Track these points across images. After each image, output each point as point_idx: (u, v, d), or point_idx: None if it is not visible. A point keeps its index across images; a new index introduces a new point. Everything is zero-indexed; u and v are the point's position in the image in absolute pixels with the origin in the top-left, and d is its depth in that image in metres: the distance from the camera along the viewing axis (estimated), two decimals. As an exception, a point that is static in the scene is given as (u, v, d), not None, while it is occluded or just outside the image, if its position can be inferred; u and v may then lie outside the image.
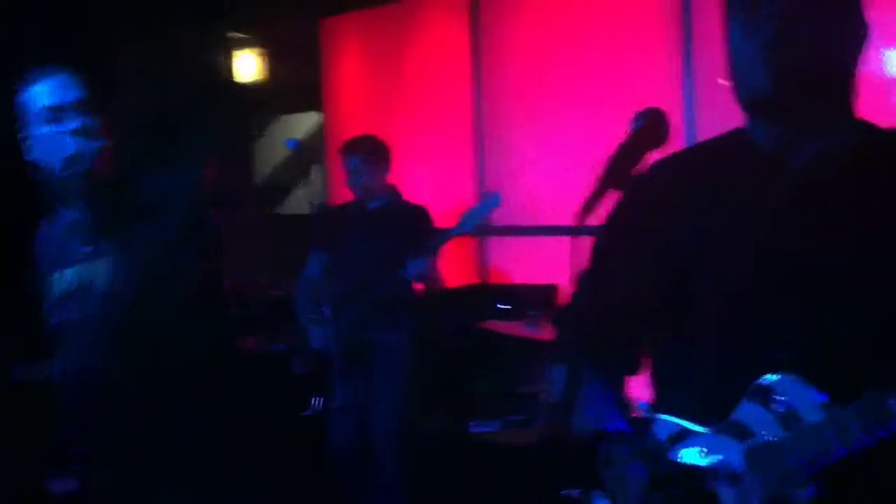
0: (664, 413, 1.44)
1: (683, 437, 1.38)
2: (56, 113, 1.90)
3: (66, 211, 2.04)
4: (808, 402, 1.24)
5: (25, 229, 2.15)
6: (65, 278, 2.00)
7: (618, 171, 1.36)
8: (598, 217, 1.57)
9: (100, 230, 1.98)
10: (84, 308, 1.96)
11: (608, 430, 1.45)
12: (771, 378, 1.28)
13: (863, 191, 1.31)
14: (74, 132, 1.89)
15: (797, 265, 1.32)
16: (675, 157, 1.49)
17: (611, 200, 1.54)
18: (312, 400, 3.87)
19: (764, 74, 1.31)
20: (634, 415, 1.49)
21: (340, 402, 3.21)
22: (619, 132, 1.73)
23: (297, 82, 5.96)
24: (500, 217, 4.17)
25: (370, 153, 3.99)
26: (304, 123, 6.19)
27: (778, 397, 1.26)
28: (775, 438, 1.26)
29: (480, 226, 3.80)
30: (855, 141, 1.35)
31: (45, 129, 1.91)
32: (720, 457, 1.32)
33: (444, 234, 3.79)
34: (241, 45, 6.16)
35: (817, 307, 1.29)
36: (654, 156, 1.49)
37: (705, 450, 1.34)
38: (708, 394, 1.36)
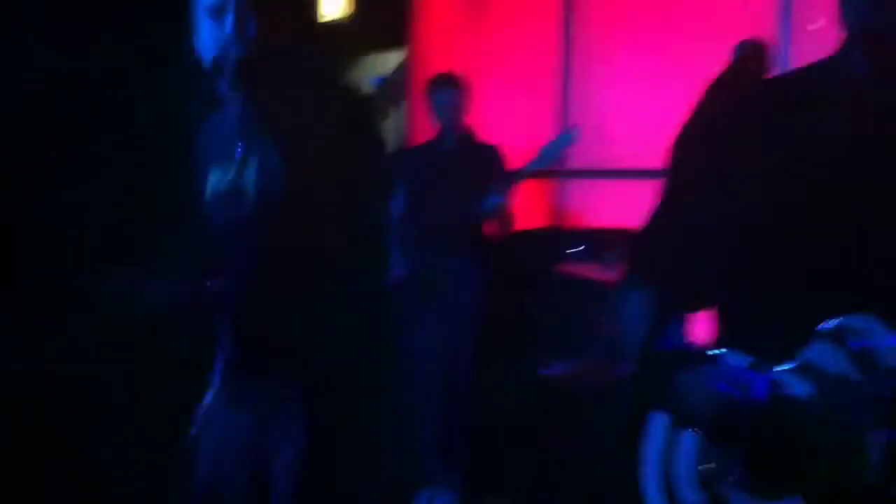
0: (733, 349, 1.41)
1: (757, 368, 1.35)
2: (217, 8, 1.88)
3: (227, 105, 1.97)
4: (886, 343, 1.21)
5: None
6: (222, 176, 1.93)
7: (716, 101, 1.33)
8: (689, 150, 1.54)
9: (255, 125, 1.91)
10: (237, 211, 1.88)
11: (686, 353, 1.42)
12: (847, 318, 1.25)
13: None
14: (232, 24, 1.86)
15: (886, 206, 1.28)
16: (768, 84, 1.46)
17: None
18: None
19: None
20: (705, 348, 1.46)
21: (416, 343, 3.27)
22: (706, 72, 1.69)
23: (382, 19, 5.94)
24: (580, 158, 4.14)
25: (462, 89, 4.04)
26: (388, 61, 6.18)
27: (853, 337, 1.23)
28: (848, 377, 1.23)
29: (555, 161, 3.80)
30: None
31: (206, 22, 1.91)
32: (783, 394, 1.29)
33: (518, 172, 3.80)
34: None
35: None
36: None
37: (767, 385, 1.31)
38: (783, 331, 1.33)
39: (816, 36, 3.75)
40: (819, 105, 1.37)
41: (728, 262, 1.48)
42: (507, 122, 5.11)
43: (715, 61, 2.07)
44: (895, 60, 1.32)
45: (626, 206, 4.53)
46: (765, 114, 1.43)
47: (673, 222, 1.54)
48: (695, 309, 1.56)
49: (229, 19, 1.88)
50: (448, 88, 4.02)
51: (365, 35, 6.05)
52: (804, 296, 1.33)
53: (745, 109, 1.47)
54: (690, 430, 1.41)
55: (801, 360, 1.29)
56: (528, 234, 4.25)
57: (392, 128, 3.29)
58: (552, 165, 3.84)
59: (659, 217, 1.55)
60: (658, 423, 1.47)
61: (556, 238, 4.69)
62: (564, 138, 3.75)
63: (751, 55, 1.32)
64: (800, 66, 1.47)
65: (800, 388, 1.28)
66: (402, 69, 6.02)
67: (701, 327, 1.56)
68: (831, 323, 1.26)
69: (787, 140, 1.38)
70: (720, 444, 1.36)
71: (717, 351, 1.43)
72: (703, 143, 1.53)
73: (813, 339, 1.28)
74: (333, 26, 6.22)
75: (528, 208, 4.14)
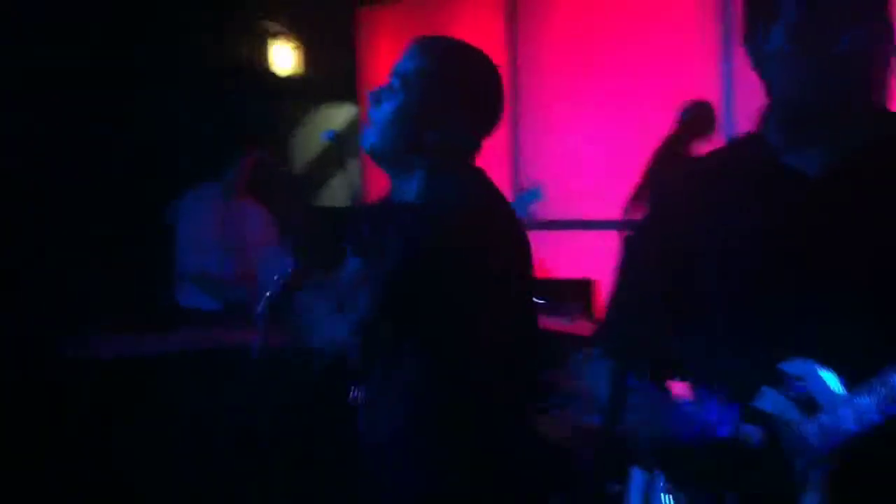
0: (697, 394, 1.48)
1: (709, 413, 1.41)
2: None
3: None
4: (823, 384, 1.28)
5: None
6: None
7: (665, 162, 1.35)
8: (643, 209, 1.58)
9: None
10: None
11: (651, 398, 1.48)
12: (788, 364, 1.33)
13: (882, 189, 1.33)
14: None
15: (814, 267, 1.35)
16: (700, 160, 1.51)
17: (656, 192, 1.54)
18: (352, 392, 3.87)
19: (822, 90, 1.33)
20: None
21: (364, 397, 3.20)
22: (654, 123, 1.72)
23: (333, 73, 5.97)
24: (536, 210, 4.15)
25: None
26: (340, 115, 6.20)
27: (795, 382, 1.31)
28: (792, 421, 1.30)
29: (522, 218, 3.80)
30: (875, 136, 1.37)
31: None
32: (736, 439, 1.36)
33: None
34: (277, 35, 6.18)
35: (835, 307, 1.33)
36: (700, 147, 1.49)
37: (725, 425, 1.38)
38: (733, 388, 1.40)
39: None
40: (744, 184, 1.45)
41: (680, 328, 1.55)
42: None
43: (663, 113, 2.10)
44: (806, 132, 1.39)
45: (584, 258, 4.57)
46: (698, 191, 1.51)
47: (628, 298, 1.61)
48: (659, 378, 1.60)
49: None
50: None
51: (316, 90, 6.08)
52: (753, 351, 1.40)
53: (679, 187, 1.55)
54: (657, 475, 1.48)
55: (752, 407, 1.37)
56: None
57: (345, 183, 3.28)
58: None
59: (616, 292, 1.62)
60: (636, 478, 1.53)
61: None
62: (532, 194, 3.76)
63: (696, 116, 1.34)
64: (731, 139, 1.54)
65: (750, 432, 1.35)
66: (355, 124, 6.04)
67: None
68: (776, 371, 1.34)
69: (719, 213, 1.46)
70: (683, 488, 1.43)
71: (679, 398, 1.50)
72: (648, 219, 1.60)
73: (762, 386, 1.36)
74: (285, 82, 6.24)
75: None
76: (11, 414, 3.25)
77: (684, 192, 1.53)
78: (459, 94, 1.84)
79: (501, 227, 1.80)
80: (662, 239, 1.54)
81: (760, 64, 1.41)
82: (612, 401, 1.45)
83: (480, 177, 1.90)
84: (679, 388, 1.56)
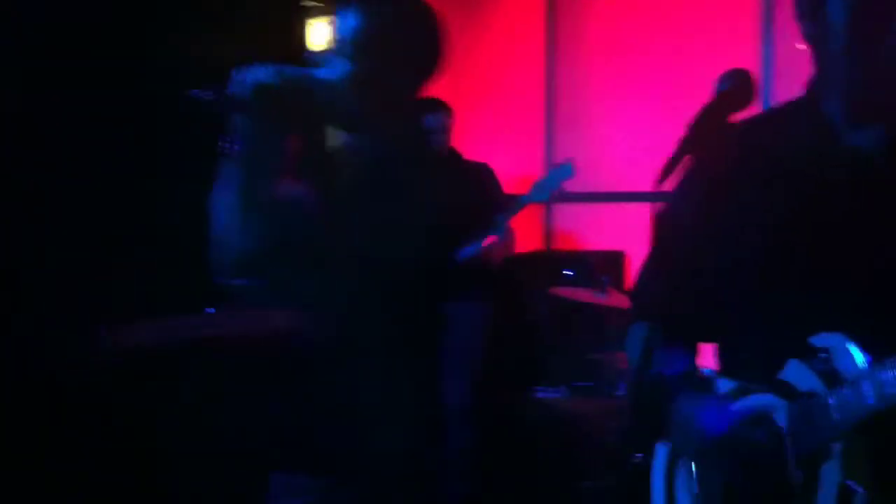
0: (725, 375, 1.50)
1: (738, 394, 1.44)
2: None
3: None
4: (849, 358, 1.28)
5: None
6: None
7: (701, 133, 1.36)
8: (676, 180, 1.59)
9: None
10: None
11: (678, 385, 1.49)
12: (817, 337, 1.33)
13: None
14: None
15: (854, 240, 1.35)
16: (742, 128, 1.49)
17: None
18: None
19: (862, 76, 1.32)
20: (701, 375, 1.54)
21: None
22: (692, 97, 1.73)
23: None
24: (568, 183, 4.16)
25: (445, 113, 4.06)
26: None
27: (821, 355, 1.31)
28: (815, 392, 1.31)
29: (554, 193, 3.81)
30: None
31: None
32: (767, 413, 1.37)
33: (517, 202, 3.80)
34: (316, 13, 6.18)
35: (870, 281, 1.33)
36: (738, 118, 1.49)
37: (755, 406, 1.40)
38: (764, 357, 1.41)
39: (804, 56, 3.79)
40: (791, 151, 1.43)
41: (715, 297, 1.55)
42: (496, 151, 5.14)
43: (699, 85, 2.10)
44: (871, 111, 1.37)
45: (615, 230, 4.58)
46: (739, 159, 1.49)
47: (664, 264, 1.62)
48: (689, 342, 1.63)
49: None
50: (431, 112, 4.04)
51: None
52: (785, 326, 1.41)
53: (723, 154, 1.53)
54: (686, 457, 1.49)
55: (777, 380, 1.38)
56: (518, 259, 4.26)
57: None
58: (550, 198, 3.85)
59: (652, 258, 1.63)
60: (662, 452, 1.54)
61: (547, 262, 4.72)
62: (564, 170, 3.75)
63: (734, 87, 1.34)
64: (773, 106, 1.53)
65: (775, 405, 1.37)
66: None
67: (700, 356, 1.63)
68: (804, 343, 1.34)
69: (762, 184, 1.45)
70: (706, 472, 1.44)
71: (707, 374, 1.52)
72: (686, 187, 1.59)
73: (790, 358, 1.37)
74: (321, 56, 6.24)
75: (517, 233, 4.16)
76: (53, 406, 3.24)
77: (729, 160, 1.51)
78: (404, 54, 1.91)
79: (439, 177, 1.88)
80: (703, 206, 1.52)
81: (816, 39, 1.38)
82: (640, 362, 1.45)
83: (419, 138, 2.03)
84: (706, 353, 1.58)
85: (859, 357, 1.28)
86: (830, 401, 1.28)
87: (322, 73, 1.87)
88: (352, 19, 1.88)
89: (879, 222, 1.34)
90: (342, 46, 1.87)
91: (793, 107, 1.49)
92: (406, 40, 1.91)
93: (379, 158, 1.83)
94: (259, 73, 1.78)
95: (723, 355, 1.56)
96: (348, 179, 1.82)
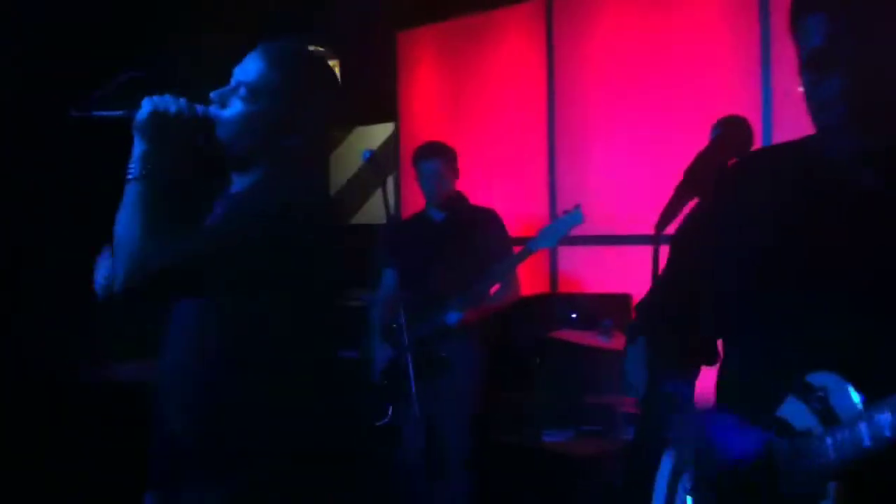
0: (726, 404, 1.52)
1: (737, 427, 1.44)
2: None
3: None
4: (846, 399, 1.29)
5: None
6: None
7: (697, 179, 1.38)
8: (676, 225, 1.60)
9: None
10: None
11: (680, 404, 1.52)
12: (814, 375, 1.34)
13: None
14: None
15: (854, 272, 1.36)
16: (749, 160, 1.53)
17: (689, 208, 1.57)
18: (388, 409, 3.91)
19: (841, 111, 1.34)
20: (700, 404, 1.56)
21: (416, 413, 3.24)
22: (693, 141, 1.74)
23: (372, 93, 6.04)
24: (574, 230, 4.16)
25: (450, 158, 4.07)
26: (379, 134, 6.27)
27: (818, 394, 1.32)
28: (811, 432, 1.32)
29: (562, 239, 3.82)
30: None
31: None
32: (761, 449, 1.38)
33: (525, 249, 3.80)
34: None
35: (867, 315, 1.33)
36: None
37: (750, 441, 1.40)
38: (763, 389, 1.42)
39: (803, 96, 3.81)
40: (795, 186, 1.45)
41: (719, 321, 1.58)
42: (499, 193, 5.16)
43: (697, 131, 2.12)
44: (863, 147, 1.38)
45: (620, 273, 4.57)
46: (744, 191, 1.52)
47: (671, 286, 1.64)
48: (693, 364, 1.64)
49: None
50: (432, 157, 4.05)
51: (355, 109, 6.15)
52: (786, 356, 1.42)
53: (727, 183, 1.55)
54: (687, 475, 1.52)
55: (775, 416, 1.39)
56: (522, 302, 4.26)
57: (381, 202, 3.33)
58: (558, 244, 3.86)
59: (660, 281, 1.64)
60: (666, 464, 1.57)
61: (551, 305, 4.71)
62: (573, 217, 3.76)
63: (730, 132, 1.35)
64: (775, 144, 1.56)
65: (771, 441, 1.38)
66: (392, 143, 6.10)
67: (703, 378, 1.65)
68: (803, 380, 1.35)
69: (761, 218, 1.47)
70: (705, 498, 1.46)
71: (707, 402, 1.54)
72: (690, 217, 1.62)
73: (788, 394, 1.38)
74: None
75: (522, 276, 4.16)
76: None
77: (729, 190, 1.53)
78: (304, 105, 1.97)
79: (316, 234, 1.91)
80: (706, 235, 1.55)
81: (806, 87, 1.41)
82: (647, 376, 1.46)
83: (312, 182, 2.08)
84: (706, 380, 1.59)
85: (856, 397, 1.28)
86: (827, 441, 1.29)
87: (218, 111, 1.94)
88: (252, 65, 1.97)
89: (883, 248, 1.35)
90: (241, 89, 1.95)
91: (795, 145, 1.52)
92: (302, 90, 1.98)
93: (266, 203, 1.87)
94: (157, 101, 1.86)
95: (723, 380, 1.57)
96: (232, 220, 1.88)
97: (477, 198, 4.25)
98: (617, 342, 3.87)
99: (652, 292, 1.67)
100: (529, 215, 5.12)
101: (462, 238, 4.00)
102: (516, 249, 3.96)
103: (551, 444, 4.22)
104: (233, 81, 1.98)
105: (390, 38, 6.00)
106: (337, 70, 6.24)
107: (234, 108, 1.95)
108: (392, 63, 6.01)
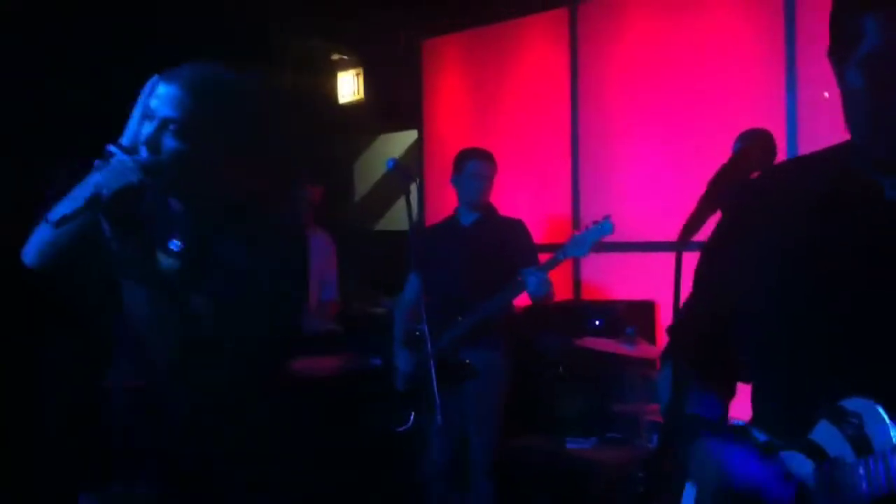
0: (758, 425, 1.48)
1: (769, 449, 1.42)
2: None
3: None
4: (881, 427, 1.26)
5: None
6: None
7: (719, 193, 1.37)
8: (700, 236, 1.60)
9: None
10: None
11: (710, 429, 1.49)
12: (849, 401, 1.30)
13: None
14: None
15: (888, 294, 1.32)
16: (772, 173, 1.50)
17: (713, 221, 1.56)
18: (410, 416, 3.93)
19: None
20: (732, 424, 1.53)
21: (439, 421, 3.24)
22: (717, 150, 1.74)
23: (396, 101, 6.08)
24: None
25: (495, 165, 4.12)
26: (402, 142, 6.30)
27: (853, 420, 1.29)
28: (844, 460, 1.28)
29: (592, 249, 3.82)
30: None
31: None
32: (794, 472, 1.35)
33: (556, 257, 3.81)
34: (344, 66, 6.32)
35: None
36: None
37: (782, 464, 1.37)
38: (796, 410, 1.39)
39: (828, 105, 3.80)
40: (822, 200, 1.42)
41: (748, 343, 1.54)
42: (523, 201, 5.17)
43: (720, 140, 2.11)
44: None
45: (645, 280, 4.57)
46: (765, 196, 1.50)
47: (699, 305, 1.62)
48: (722, 386, 1.63)
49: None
50: (483, 159, 4.08)
51: (379, 118, 6.19)
52: (816, 376, 1.39)
53: (745, 194, 1.52)
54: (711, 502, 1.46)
55: (808, 440, 1.36)
56: (547, 309, 4.26)
57: (405, 209, 3.34)
58: (588, 253, 3.86)
59: (688, 301, 1.63)
60: (690, 493, 1.53)
61: (576, 312, 4.70)
62: (604, 227, 3.76)
63: (753, 146, 1.34)
64: (800, 156, 1.54)
65: (804, 468, 1.34)
66: (415, 150, 6.13)
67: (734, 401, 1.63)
68: (837, 404, 1.32)
69: (788, 232, 1.44)
70: None
71: (740, 424, 1.50)
72: (715, 232, 1.59)
73: (820, 418, 1.34)
74: (348, 109, 6.37)
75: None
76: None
77: (754, 203, 1.51)
78: (236, 139, 1.89)
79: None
80: (733, 250, 1.53)
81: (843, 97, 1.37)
82: (673, 400, 1.43)
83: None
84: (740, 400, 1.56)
85: (891, 427, 1.25)
86: (860, 470, 1.26)
87: (145, 155, 1.81)
88: (183, 102, 1.83)
89: None
90: (171, 127, 1.83)
91: (823, 156, 1.49)
92: (234, 127, 1.89)
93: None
94: (106, 181, 1.75)
95: (756, 399, 1.54)
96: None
97: (501, 204, 4.26)
98: (641, 349, 3.86)
99: (680, 313, 1.65)
100: (553, 222, 5.12)
101: (490, 245, 4.01)
102: (542, 257, 3.96)
103: (575, 451, 4.22)
104: (154, 119, 1.83)
105: (415, 47, 6.03)
106: (360, 79, 6.28)
107: (167, 146, 1.82)
108: (416, 71, 6.04)
